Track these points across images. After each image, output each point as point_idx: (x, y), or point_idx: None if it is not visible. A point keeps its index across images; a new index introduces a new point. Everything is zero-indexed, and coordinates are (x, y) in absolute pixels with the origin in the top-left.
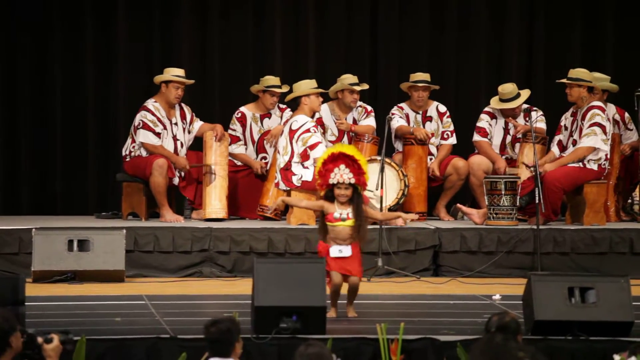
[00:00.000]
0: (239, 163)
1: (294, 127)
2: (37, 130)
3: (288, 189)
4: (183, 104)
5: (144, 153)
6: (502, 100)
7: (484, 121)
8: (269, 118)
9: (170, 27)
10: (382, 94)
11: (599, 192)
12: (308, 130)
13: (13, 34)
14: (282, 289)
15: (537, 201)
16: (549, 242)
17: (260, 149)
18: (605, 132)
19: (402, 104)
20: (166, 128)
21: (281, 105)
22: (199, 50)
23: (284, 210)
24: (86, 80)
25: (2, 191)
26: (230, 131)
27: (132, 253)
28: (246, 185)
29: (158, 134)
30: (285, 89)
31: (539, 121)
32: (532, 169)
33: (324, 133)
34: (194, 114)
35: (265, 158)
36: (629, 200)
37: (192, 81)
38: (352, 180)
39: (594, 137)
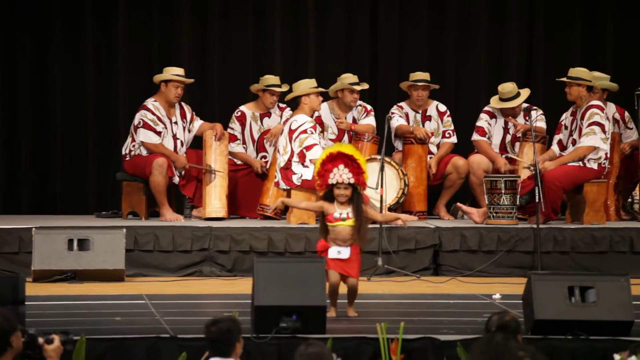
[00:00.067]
0: (239, 162)
1: (293, 127)
2: (37, 130)
3: (288, 188)
4: (183, 103)
5: (143, 152)
6: (502, 100)
7: (483, 120)
8: (269, 117)
9: (170, 27)
10: (382, 94)
11: (599, 191)
12: (305, 131)
13: (13, 34)
14: (282, 289)
15: (537, 200)
16: (549, 241)
17: (260, 148)
18: (604, 131)
19: (402, 103)
20: (166, 127)
21: (281, 105)
22: (199, 50)
23: (284, 210)
24: (86, 80)
25: (2, 191)
26: (229, 130)
27: (132, 252)
28: (246, 185)
29: (158, 133)
30: (285, 88)
31: (538, 120)
32: (532, 168)
33: (323, 132)
34: (194, 112)
35: (265, 157)
36: (629, 199)
37: (191, 80)
38: (352, 180)
39: (594, 136)
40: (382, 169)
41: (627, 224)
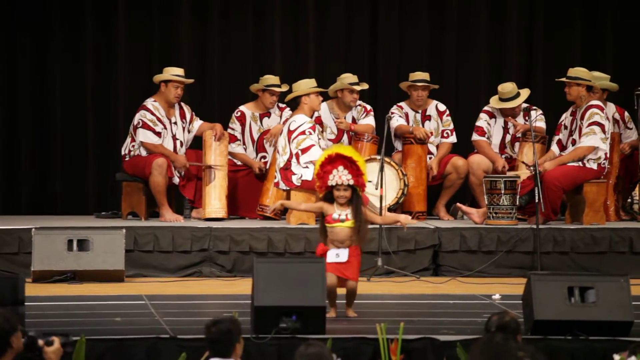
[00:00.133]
0: (239, 162)
1: (291, 128)
2: (37, 130)
3: (288, 188)
4: (183, 103)
5: (143, 152)
6: (501, 100)
7: (482, 120)
8: (269, 117)
9: (170, 27)
10: (382, 94)
11: (598, 191)
12: (303, 133)
13: (13, 34)
14: (281, 289)
15: (536, 200)
16: (549, 242)
17: (259, 148)
18: (604, 131)
19: (402, 103)
20: (166, 127)
21: (280, 105)
22: (199, 50)
23: (284, 210)
24: (86, 80)
25: (2, 191)
26: (229, 130)
27: (132, 253)
28: (246, 185)
29: (158, 133)
30: (284, 88)
31: (538, 120)
32: (531, 168)
33: (322, 132)
34: (193, 113)
35: (264, 157)
36: (629, 200)
37: (191, 80)
38: (351, 182)
39: (594, 136)
40: (381, 169)
41: (627, 224)
